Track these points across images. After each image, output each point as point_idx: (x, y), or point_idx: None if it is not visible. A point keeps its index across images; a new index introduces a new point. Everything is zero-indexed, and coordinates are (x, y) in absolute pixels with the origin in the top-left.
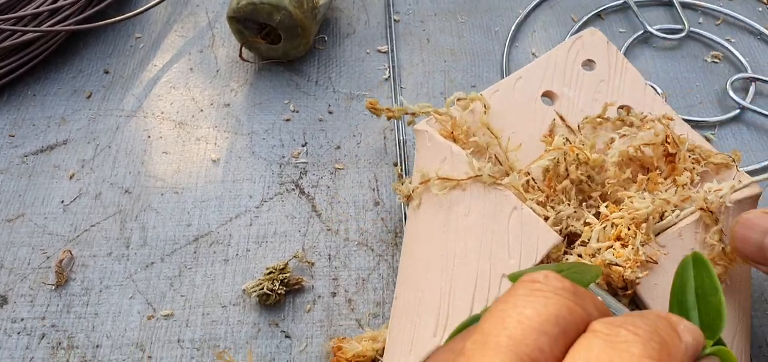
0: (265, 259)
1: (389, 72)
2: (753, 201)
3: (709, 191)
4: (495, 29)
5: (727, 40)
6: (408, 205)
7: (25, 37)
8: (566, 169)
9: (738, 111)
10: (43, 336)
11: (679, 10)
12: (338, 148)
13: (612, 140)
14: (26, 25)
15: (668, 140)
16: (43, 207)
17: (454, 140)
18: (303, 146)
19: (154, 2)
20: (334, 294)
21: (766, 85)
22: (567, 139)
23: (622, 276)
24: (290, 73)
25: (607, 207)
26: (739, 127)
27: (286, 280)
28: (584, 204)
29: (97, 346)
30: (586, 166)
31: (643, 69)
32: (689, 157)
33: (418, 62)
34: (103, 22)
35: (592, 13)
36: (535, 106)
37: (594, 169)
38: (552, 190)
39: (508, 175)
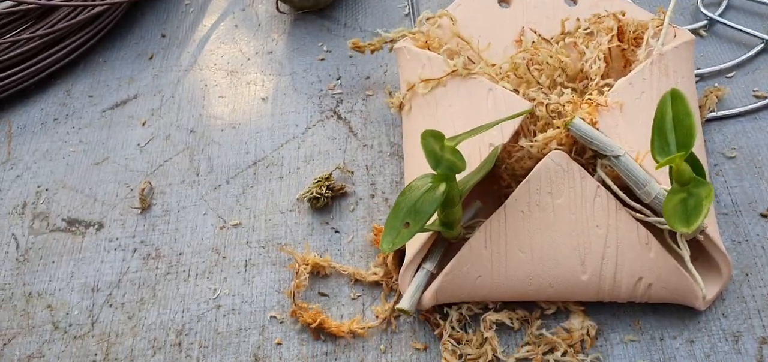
0: (312, 174)
1: (409, 8)
2: (688, 47)
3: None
4: None
5: None
6: (400, 113)
7: (93, 11)
8: (547, 62)
9: (706, 22)
10: (135, 250)
11: None
12: (368, 78)
13: (575, 45)
14: (94, 0)
15: (621, 36)
16: (123, 151)
17: (429, 49)
18: (337, 80)
19: None
20: (372, 196)
21: None
22: (545, 40)
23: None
24: (322, 19)
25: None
26: (710, 36)
27: (331, 186)
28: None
29: (180, 253)
30: (563, 71)
31: None
32: (634, 31)
33: None
34: None
35: None
36: (494, 11)
37: (569, 71)
38: (521, 80)
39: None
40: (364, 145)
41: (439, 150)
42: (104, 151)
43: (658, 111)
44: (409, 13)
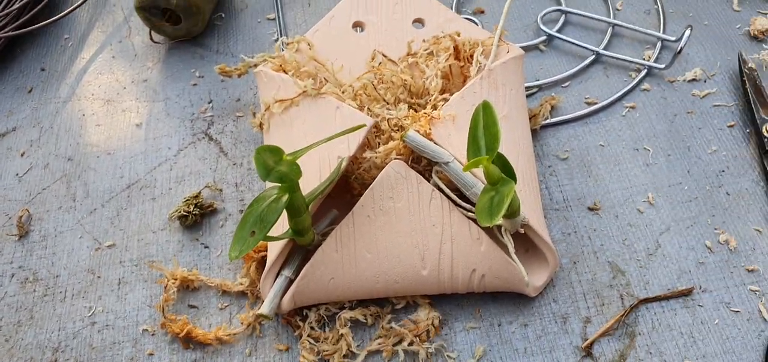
0: (184, 194)
1: (278, 34)
2: (517, 61)
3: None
4: None
5: None
6: (262, 132)
7: None
8: (392, 81)
9: (545, 38)
10: (13, 275)
11: None
12: (238, 100)
13: (417, 65)
14: None
15: (457, 55)
16: (1, 181)
17: (285, 72)
18: (209, 103)
19: (76, 5)
20: (241, 211)
21: (572, 16)
22: (391, 61)
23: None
24: (195, 47)
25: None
26: (549, 50)
27: (199, 204)
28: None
29: (57, 276)
30: (405, 88)
31: (481, 4)
32: (469, 50)
33: (302, 22)
34: (35, 25)
35: None
36: (349, 36)
37: (412, 88)
38: (370, 98)
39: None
40: (234, 164)
41: (273, 163)
42: None
43: (473, 120)
44: (277, 38)
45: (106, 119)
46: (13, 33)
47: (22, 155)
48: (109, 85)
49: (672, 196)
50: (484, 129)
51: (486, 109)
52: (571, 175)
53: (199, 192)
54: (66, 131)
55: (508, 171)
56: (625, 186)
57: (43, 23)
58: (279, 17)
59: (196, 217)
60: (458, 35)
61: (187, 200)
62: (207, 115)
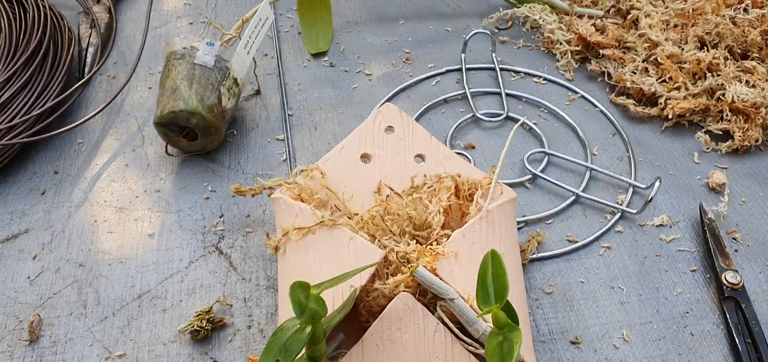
0: (194, 306)
1: (286, 155)
2: (511, 203)
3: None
4: (365, 117)
5: (535, 123)
6: (276, 254)
7: None
8: (398, 214)
9: (530, 176)
10: None
11: (503, 99)
12: (248, 216)
13: (420, 200)
14: None
15: (458, 193)
16: (13, 283)
17: (302, 200)
18: (220, 217)
19: (91, 114)
20: (249, 327)
21: (555, 158)
22: (397, 194)
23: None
24: (208, 161)
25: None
26: (533, 188)
27: (211, 319)
28: (405, 237)
29: None
30: (410, 221)
31: (472, 140)
32: (468, 190)
33: (309, 145)
34: (50, 134)
35: (439, 98)
36: (357, 166)
37: (416, 221)
38: (378, 228)
39: (347, 218)
40: (243, 279)
41: (304, 299)
42: None
43: (482, 267)
44: (286, 158)
45: (118, 227)
46: (27, 140)
47: (34, 258)
48: (121, 193)
49: (643, 334)
50: (492, 277)
51: (495, 258)
52: (556, 308)
53: (211, 308)
54: (78, 236)
55: (513, 317)
56: (603, 322)
57: (57, 131)
58: (287, 139)
59: (207, 332)
60: (459, 176)
61: (199, 315)
62: (218, 229)
